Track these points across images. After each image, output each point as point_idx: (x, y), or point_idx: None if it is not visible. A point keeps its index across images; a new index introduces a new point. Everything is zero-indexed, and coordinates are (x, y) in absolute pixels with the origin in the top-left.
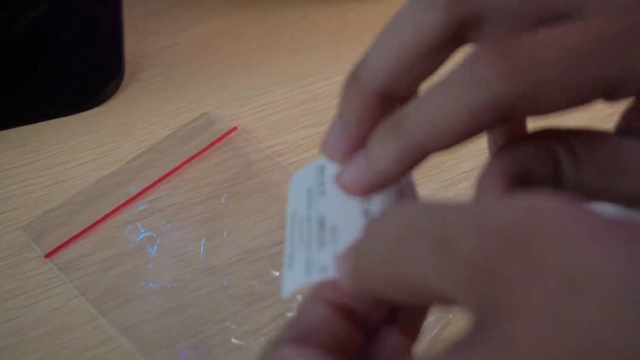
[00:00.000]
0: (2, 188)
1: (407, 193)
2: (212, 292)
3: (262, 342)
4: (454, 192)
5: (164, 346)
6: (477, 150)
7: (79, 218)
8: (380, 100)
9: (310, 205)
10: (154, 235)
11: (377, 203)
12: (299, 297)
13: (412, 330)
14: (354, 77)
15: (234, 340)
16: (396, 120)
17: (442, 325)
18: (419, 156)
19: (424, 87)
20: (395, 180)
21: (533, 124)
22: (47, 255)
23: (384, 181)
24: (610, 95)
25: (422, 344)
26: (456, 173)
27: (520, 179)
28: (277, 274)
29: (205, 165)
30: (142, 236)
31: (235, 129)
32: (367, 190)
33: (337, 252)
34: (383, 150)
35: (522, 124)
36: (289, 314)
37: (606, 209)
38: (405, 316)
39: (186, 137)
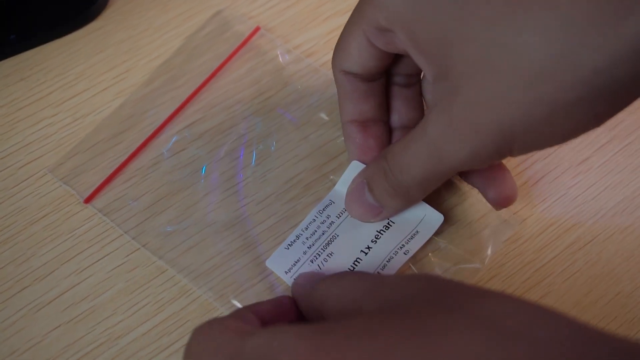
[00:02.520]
0: (17, 134)
1: None
2: (275, 224)
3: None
4: None
5: (240, 291)
6: None
7: (111, 157)
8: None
9: (343, 213)
10: (198, 167)
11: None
12: None
13: None
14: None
15: None
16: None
17: (517, 228)
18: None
19: None
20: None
21: None
22: (87, 201)
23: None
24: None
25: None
26: None
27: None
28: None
29: (232, 77)
30: (186, 172)
31: (258, 29)
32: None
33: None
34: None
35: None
36: None
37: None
38: None
39: (203, 45)
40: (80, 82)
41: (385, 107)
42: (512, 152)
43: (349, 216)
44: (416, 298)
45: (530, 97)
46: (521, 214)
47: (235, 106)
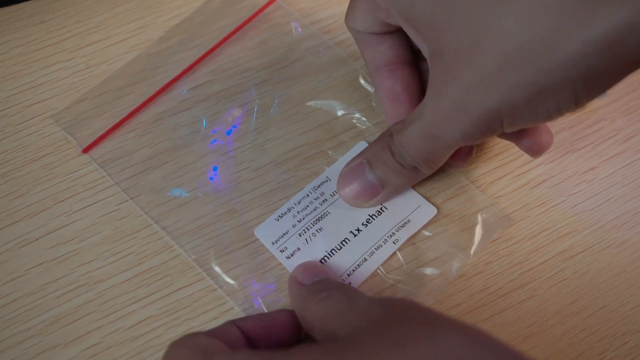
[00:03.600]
0: (30, 74)
1: None
2: (268, 193)
3: None
4: None
5: (222, 254)
6: None
7: (116, 107)
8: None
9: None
10: (200, 128)
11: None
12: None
13: None
14: None
15: None
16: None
17: (508, 228)
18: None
19: None
20: None
21: None
22: (85, 150)
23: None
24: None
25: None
26: None
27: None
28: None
29: (246, 45)
30: (187, 131)
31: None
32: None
33: (302, 250)
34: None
35: None
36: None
37: None
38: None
39: (220, 10)
40: (98, 31)
41: (407, 47)
42: (502, 128)
43: None
44: (379, 325)
45: (512, 79)
46: (516, 215)
47: (245, 73)
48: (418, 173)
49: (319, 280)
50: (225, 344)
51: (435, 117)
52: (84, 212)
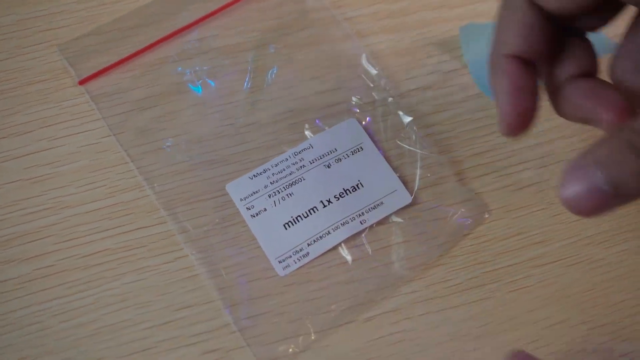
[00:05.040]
0: (44, 2)
1: None
2: (248, 151)
3: None
4: None
5: (189, 202)
6: None
7: (121, 46)
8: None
9: (318, 159)
10: (196, 79)
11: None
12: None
13: None
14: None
15: None
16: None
17: (480, 226)
18: None
19: None
20: None
21: None
22: (82, 82)
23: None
24: None
25: None
26: None
27: None
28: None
29: (258, 6)
30: (184, 79)
31: None
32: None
33: (268, 212)
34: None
35: None
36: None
37: None
38: None
39: None
40: None
41: (555, 43)
42: None
43: (322, 164)
44: None
45: None
46: (493, 214)
47: (251, 33)
48: None
49: None
50: None
51: None
52: (67, 139)
